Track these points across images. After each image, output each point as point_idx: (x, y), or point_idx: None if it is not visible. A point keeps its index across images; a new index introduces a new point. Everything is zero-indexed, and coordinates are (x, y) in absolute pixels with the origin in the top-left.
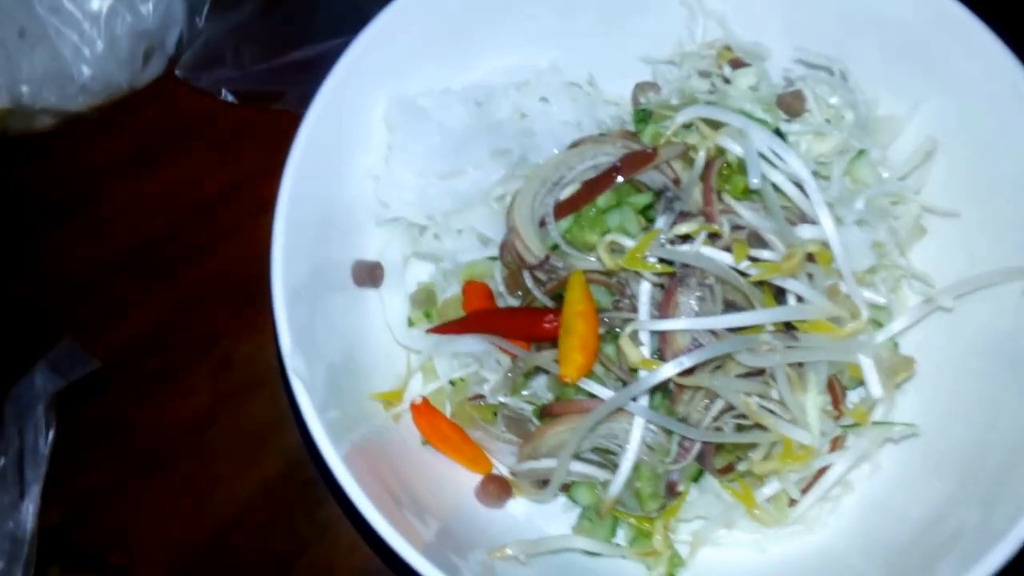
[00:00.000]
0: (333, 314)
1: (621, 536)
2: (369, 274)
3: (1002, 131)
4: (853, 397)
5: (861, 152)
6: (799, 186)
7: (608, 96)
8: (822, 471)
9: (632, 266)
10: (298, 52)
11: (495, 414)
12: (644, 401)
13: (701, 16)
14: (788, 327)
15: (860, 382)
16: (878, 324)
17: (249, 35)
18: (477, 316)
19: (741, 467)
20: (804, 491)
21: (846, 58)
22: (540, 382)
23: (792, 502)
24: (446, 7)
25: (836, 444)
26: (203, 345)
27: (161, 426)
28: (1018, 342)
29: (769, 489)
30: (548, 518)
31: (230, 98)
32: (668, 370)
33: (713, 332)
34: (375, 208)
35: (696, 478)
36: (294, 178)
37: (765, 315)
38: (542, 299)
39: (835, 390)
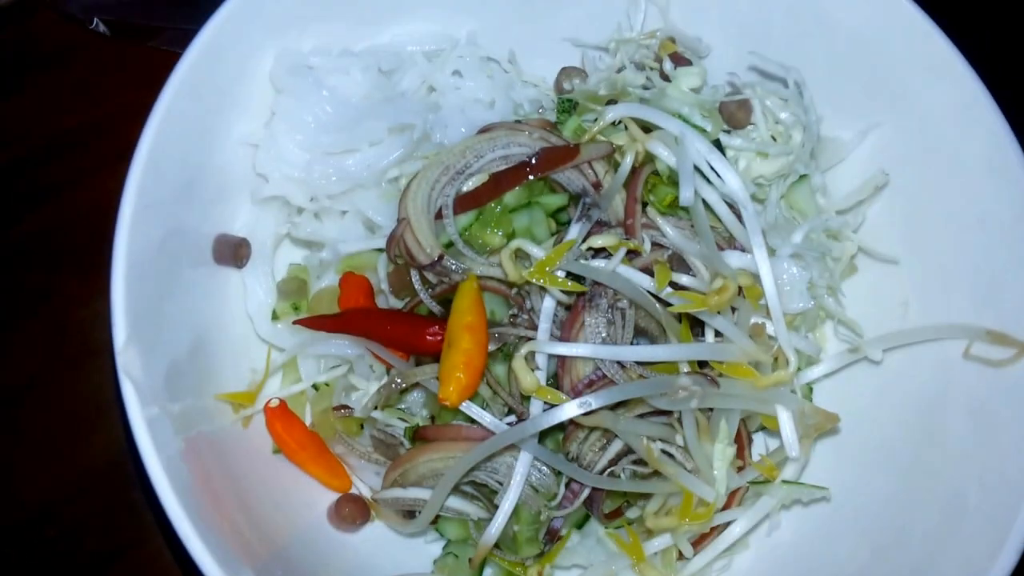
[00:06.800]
0: (185, 293)
1: None
2: (233, 252)
3: (958, 172)
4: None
5: (803, 177)
6: (732, 207)
7: (528, 77)
8: (719, 526)
9: (541, 280)
10: None
11: (361, 427)
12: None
13: (644, 1)
14: (702, 365)
15: (764, 428)
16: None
17: None
18: (352, 315)
19: (630, 513)
20: (696, 545)
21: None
22: (415, 397)
23: (681, 556)
24: None
25: (734, 498)
26: (34, 303)
27: None
28: (949, 402)
29: (660, 541)
30: (408, 548)
31: (102, 28)
32: (570, 410)
33: (620, 363)
34: (250, 179)
35: (580, 524)
36: (158, 129)
37: (682, 351)
38: (429, 304)
39: (741, 438)
